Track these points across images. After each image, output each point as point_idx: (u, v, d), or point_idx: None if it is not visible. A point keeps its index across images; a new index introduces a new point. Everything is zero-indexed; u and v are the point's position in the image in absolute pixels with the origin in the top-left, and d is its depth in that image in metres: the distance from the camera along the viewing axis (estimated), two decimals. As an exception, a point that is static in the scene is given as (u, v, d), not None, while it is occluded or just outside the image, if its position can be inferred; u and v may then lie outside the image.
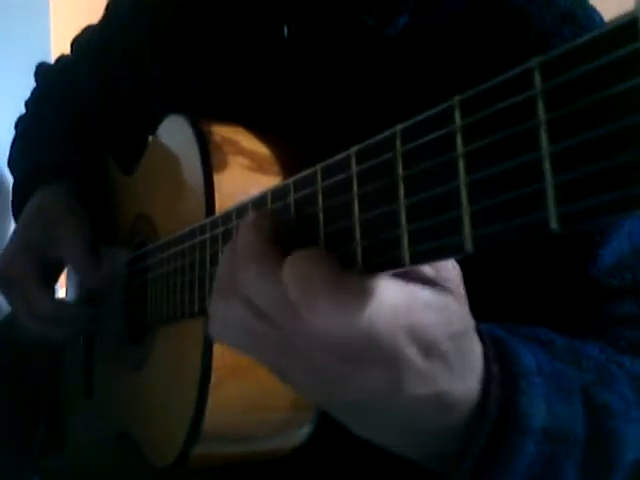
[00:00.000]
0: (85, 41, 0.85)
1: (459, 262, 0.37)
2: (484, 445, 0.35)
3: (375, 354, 0.29)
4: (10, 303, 0.73)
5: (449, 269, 0.32)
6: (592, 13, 0.55)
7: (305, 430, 0.56)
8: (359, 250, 0.29)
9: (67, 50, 0.89)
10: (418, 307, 0.29)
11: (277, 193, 0.37)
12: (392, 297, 0.29)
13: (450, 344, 0.31)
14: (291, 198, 0.36)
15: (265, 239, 0.32)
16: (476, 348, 0.34)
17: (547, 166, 0.20)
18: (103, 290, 0.74)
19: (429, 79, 0.55)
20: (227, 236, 0.43)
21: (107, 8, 0.82)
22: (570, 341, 0.45)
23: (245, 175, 0.55)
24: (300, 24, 0.61)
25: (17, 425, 0.80)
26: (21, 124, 0.88)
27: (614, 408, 0.41)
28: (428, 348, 0.30)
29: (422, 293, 0.30)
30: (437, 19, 0.56)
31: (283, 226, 0.33)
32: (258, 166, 0.56)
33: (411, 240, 0.26)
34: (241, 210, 0.41)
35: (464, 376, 0.33)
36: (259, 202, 0.39)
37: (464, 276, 0.36)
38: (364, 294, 0.28)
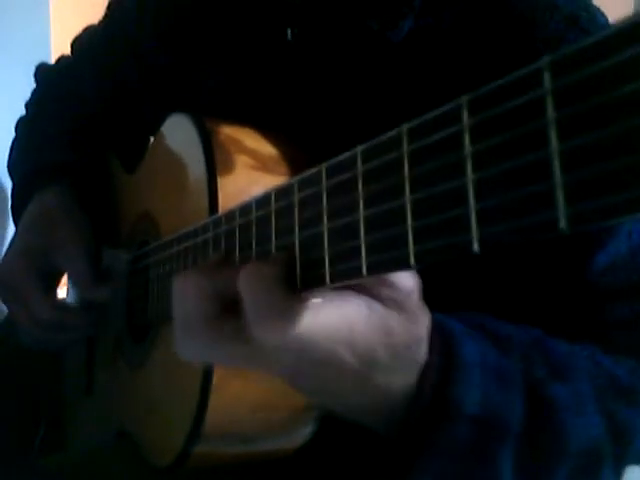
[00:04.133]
0: (86, 41, 0.85)
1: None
2: (416, 424, 0.41)
3: (314, 359, 0.36)
4: (10, 310, 0.73)
5: (405, 292, 0.37)
6: (597, 16, 0.55)
7: (307, 430, 0.56)
8: (363, 249, 0.29)
9: (67, 50, 0.89)
10: (359, 322, 0.35)
11: (281, 192, 0.37)
12: (325, 316, 0.35)
13: (385, 352, 0.37)
14: (295, 197, 0.36)
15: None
16: (420, 351, 0.40)
17: (557, 165, 0.20)
18: (104, 289, 0.73)
19: (433, 84, 0.55)
20: (230, 235, 0.43)
21: (108, 7, 0.82)
22: (538, 338, 0.48)
23: (249, 174, 0.55)
24: (303, 27, 0.61)
25: (17, 425, 0.80)
26: (21, 126, 0.88)
27: (561, 402, 0.44)
28: (362, 355, 0.36)
29: (365, 311, 0.36)
30: (442, 24, 0.56)
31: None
32: (262, 165, 0.56)
33: (417, 240, 0.26)
34: (244, 209, 0.41)
35: (400, 374, 0.39)
36: (263, 201, 0.39)
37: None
38: (299, 315, 0.34)
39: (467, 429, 0.41)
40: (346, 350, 0.36)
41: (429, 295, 0.54)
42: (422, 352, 0.40)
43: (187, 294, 0.39)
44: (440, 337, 0.41)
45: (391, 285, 0.36)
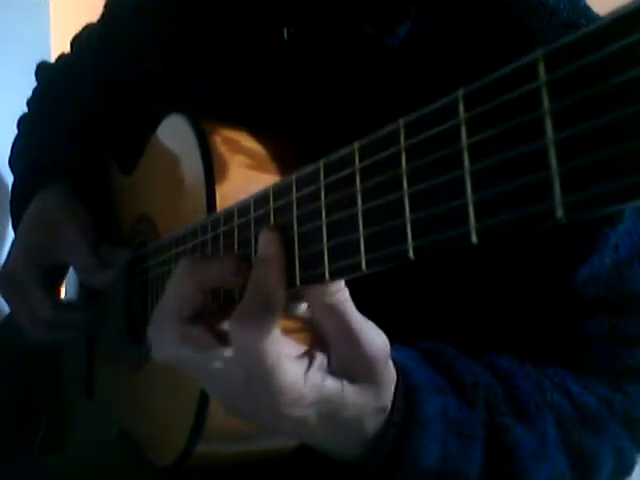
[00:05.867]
0: (85, 39, 0.85)
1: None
2: (376, 473, 0.42)
3: (265, 386, 0.38)
4: (12, 308, 0.73)
5: (377, 353, 0.38)
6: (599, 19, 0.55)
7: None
8: (362, 243, 0.29)
9: (67, 49, 0.89)
10: (313, 392, 0.38)
11: (279, 190, 0.37)
12: (295, 364, 0.37)
13: (326, 424, 0.40)
14: (293, 195, 0.36)
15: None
16: (376, 420, 0.41)
17: (553, 155, 0.20)
18: (104, 290, 0.74)
19: (428, 86, 0.54)
20: (229, 235, 0.43)
21: (106, 6, 0.82)
22: (506, 376, 0.50)
23: (245, 174, 0.56)
24: (300, 27, 0.61)
25: (17, 425, 0.80)
26: (23, 123, 0.88)
27: (524, 449, 0.46)
28: (300, 418, 0.39)
29: (326, 383, 0.38)
30: (437, 28, 0.56)
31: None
32: (258, 165, 0.56)
33: (415, 233, 0.26)
34: (242, 209, 0.41)
35: (346, 439, 0.42)
36: (261, 200, 0.39)
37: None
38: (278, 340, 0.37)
39: None
40: (291, 405, 0.38)
41: (413, 305, 0.55)
42: (377, 420, 0.41)
43: (178, 284, 0.40)
44: (404, 392, 0.42)
45: (365, 345, 0.37)
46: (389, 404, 0.41)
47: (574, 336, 0.54)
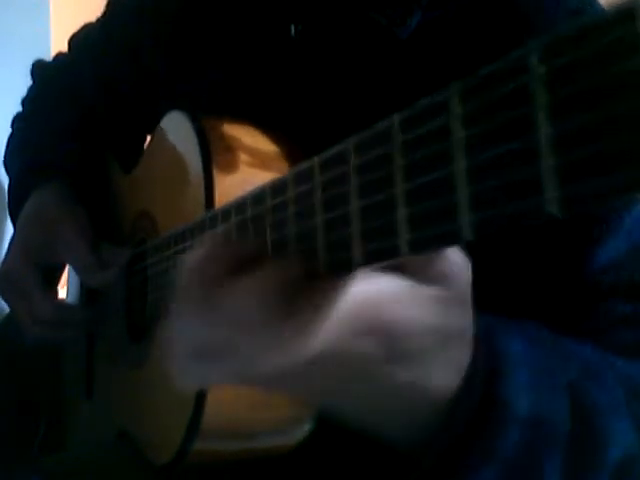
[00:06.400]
0: (83, 38, 0.85)
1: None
2: (462, 431, 0.35)
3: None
4: (12, 308, 0.73)
5: (451, 266, 0.32)
6: (602, 11, 0.55)
7: (305, 427, 0.56)
8: (358, 239, 0.29)
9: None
10: (384, 303, 0.31)
11: (275, 188, 0.37)
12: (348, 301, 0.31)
13: (419, 341, 0.32)
14: (289, 193, 0.36)
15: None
16: (468, 342, 0.35)
17: (546, 150, 0.20)
18: (104, 289, 0.74)
19: (438, 79, 0.54)
20: (227, 233, 0.43)
21: (107, 5, 0.82)
22: (558, 337, 0.46)
23: (246, 171, 0.56)
24: (307, 23, 0.61)
25: (17, 425, 0.80)
26: (17, 122, 0.88)
27: (602, 405, 0.41)
28: (391, 348, 0.31)
29: (392, 286, 0.31)
30: (448, 15, 0.56)
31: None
32: (259, 162, 0.56)
33: (410, 228, 0.26)
34: (240, 207, 0.41)
35: (436, 372, 0.34)
36: (258, 197, 0.39)
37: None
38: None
39: (520, 431, 0.36)
40: (372, 337, 0.31)
41: None
42: (470, 344, 0.35)
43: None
44: (483, 336, 0.36)
45: (441, 260, 0.31)
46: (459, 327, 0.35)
47: (597, 319, 0.53)
